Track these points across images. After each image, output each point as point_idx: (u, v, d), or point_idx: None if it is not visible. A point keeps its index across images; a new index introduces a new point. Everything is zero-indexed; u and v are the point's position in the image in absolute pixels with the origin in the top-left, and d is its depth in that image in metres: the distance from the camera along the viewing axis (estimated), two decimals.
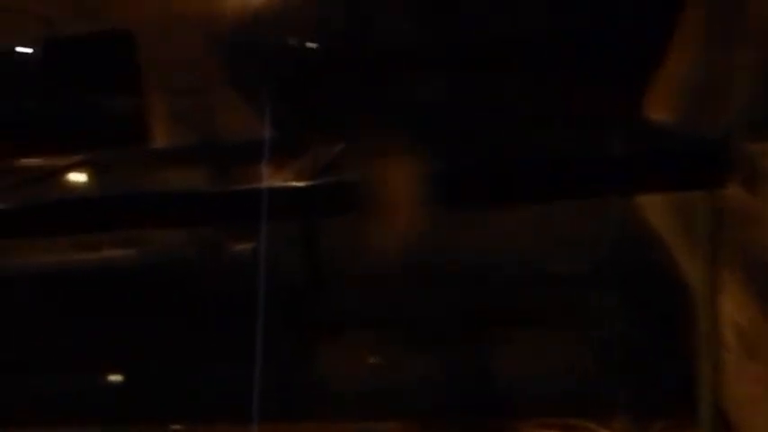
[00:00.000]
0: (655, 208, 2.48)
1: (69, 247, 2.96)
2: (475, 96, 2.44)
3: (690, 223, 2.21)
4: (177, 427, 3.00)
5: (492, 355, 2.91)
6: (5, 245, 2.99)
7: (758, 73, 2.22)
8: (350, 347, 2.93)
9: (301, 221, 2.86)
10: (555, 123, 2.29)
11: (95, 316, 3.00)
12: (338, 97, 2.50)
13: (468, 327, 2.92)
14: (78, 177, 3.05)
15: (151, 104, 2.66)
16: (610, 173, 1.92)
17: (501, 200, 2.11)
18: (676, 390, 2.50)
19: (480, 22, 2.50)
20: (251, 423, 2.89)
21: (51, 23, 2.89)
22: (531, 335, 2.87)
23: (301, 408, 2.97)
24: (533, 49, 2.49)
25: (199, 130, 2.66)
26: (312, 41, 2.59)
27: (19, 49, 2.99)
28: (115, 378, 3.10)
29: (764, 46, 2.26)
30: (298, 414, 2.92)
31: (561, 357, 2.80)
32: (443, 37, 2.53)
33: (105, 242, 2.94)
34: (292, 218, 2.27)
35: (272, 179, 1.94)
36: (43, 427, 3.01)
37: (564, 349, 2.81)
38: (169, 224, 2.23)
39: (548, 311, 2.86)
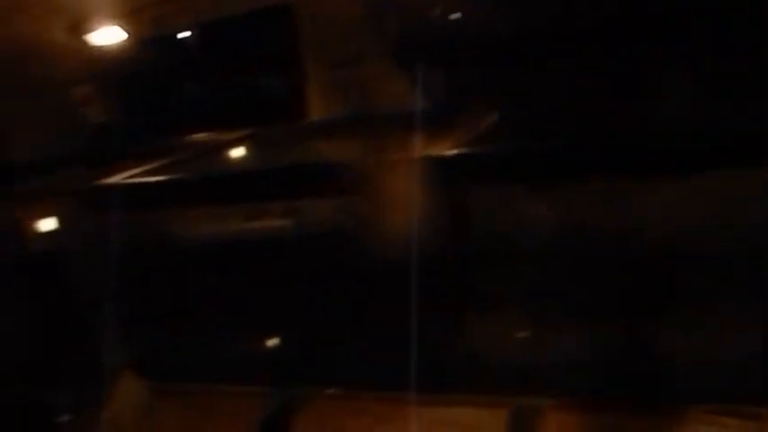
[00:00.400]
0: None
1: (232, 216, 3.08)
2: (632, 74, 2.29)
3: None
4: (332, 390, 3.07)
5: (656, 337, 2.75)
6: (174, 214, 3.17)
7: None
8: (508, 323, 2.88)
9: (455, 192, 2.83)
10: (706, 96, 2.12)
11: (257, 283, 3.12)
12: (493, 71, 2.43)
13: (631, 307, 2.78)
14: (242, 151, 3.17)
15: (309, 77, 2.70)
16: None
17: (661, 171, 1.93)
18: None
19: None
20: (405, 391, 2.91)
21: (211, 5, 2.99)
22: (700, 318, 2.68)
23: (454, 379, 2.95)
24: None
25: (355, 101, 2.67)
26: (468, 15, 2.54)
27: (182, 34, 3.12)
28: (275, 342, 3.22)
29: None
30: (451, 385, 2.91)
31: (735, 342, 2.61)
32: (595, 15, 2.39)
33: (267, 212, 3.03)
34: (446, 187, 2.23)
35: (427, 148, 1.90)
36: (205, 387, 3.17)
37: (739, 334, 2.61)
38: (326, 194, 2.25)
39: (717, 293, 2.66)
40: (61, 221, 3.23)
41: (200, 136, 3.18)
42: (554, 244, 2.70)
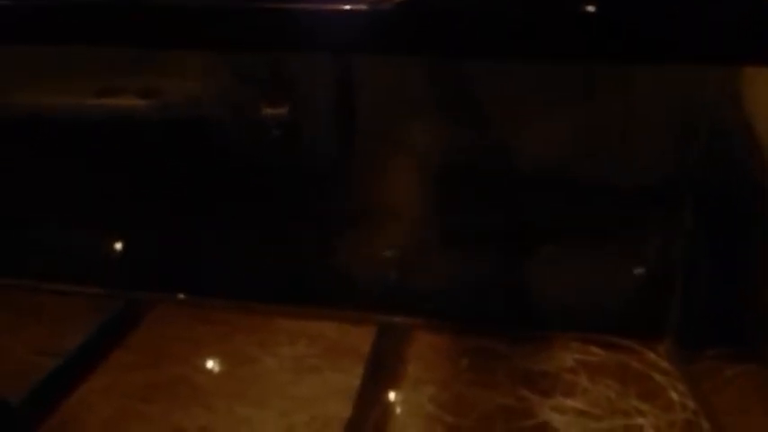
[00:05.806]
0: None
1: (80, 91, 2.65)
2: None
3: None
4: (182, 296, 2.82)
5: (528, 263, 2.68)
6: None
7: None
8: (381, 240, 2.72)
9: (345, 77, 2.51)
10: None
11: (101, 171, 2.74)
12: None
13: (506, 233, 2.66)
14: None
15: None
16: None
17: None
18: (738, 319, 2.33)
19: None
20: (267, 301, 2.73)
21: None
22: (571, 248, 2.63)
23: (320, 293, 2.79)
24: None
25: None
26: None
27: None
28: (117, 238, 2.89)
29: None
30: (317, 299, 2.75)
31: (602, 274, 2.60)
32: None
33: (122, 90, 2.64)
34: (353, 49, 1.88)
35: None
36: (34, 284, 2.84)
37: (607, 267, 2.60)
38: (181, 45, 1.74)
39: (590, 225, 2.61)
40: None
41: None
42: (443, 161, 2.53)
